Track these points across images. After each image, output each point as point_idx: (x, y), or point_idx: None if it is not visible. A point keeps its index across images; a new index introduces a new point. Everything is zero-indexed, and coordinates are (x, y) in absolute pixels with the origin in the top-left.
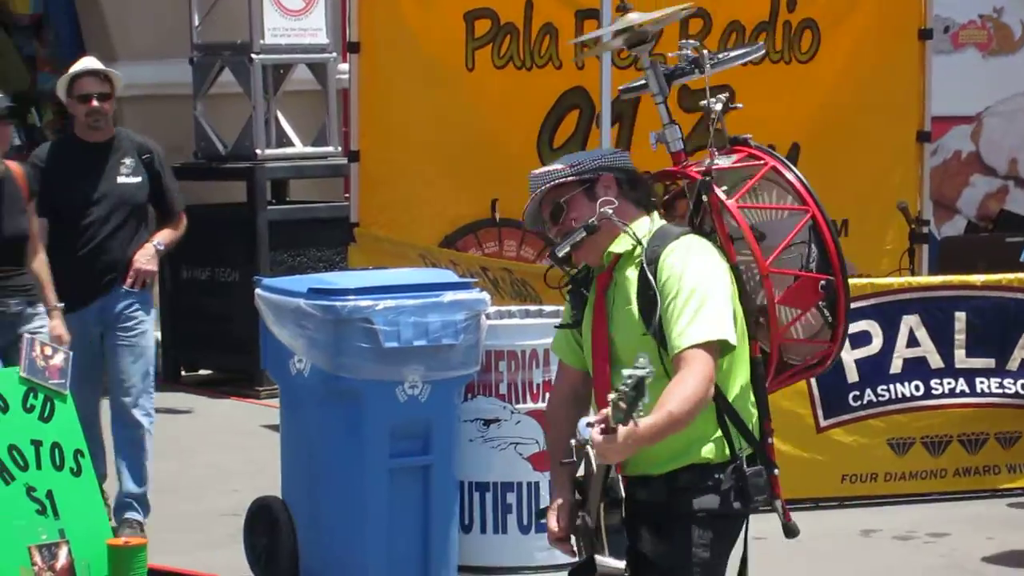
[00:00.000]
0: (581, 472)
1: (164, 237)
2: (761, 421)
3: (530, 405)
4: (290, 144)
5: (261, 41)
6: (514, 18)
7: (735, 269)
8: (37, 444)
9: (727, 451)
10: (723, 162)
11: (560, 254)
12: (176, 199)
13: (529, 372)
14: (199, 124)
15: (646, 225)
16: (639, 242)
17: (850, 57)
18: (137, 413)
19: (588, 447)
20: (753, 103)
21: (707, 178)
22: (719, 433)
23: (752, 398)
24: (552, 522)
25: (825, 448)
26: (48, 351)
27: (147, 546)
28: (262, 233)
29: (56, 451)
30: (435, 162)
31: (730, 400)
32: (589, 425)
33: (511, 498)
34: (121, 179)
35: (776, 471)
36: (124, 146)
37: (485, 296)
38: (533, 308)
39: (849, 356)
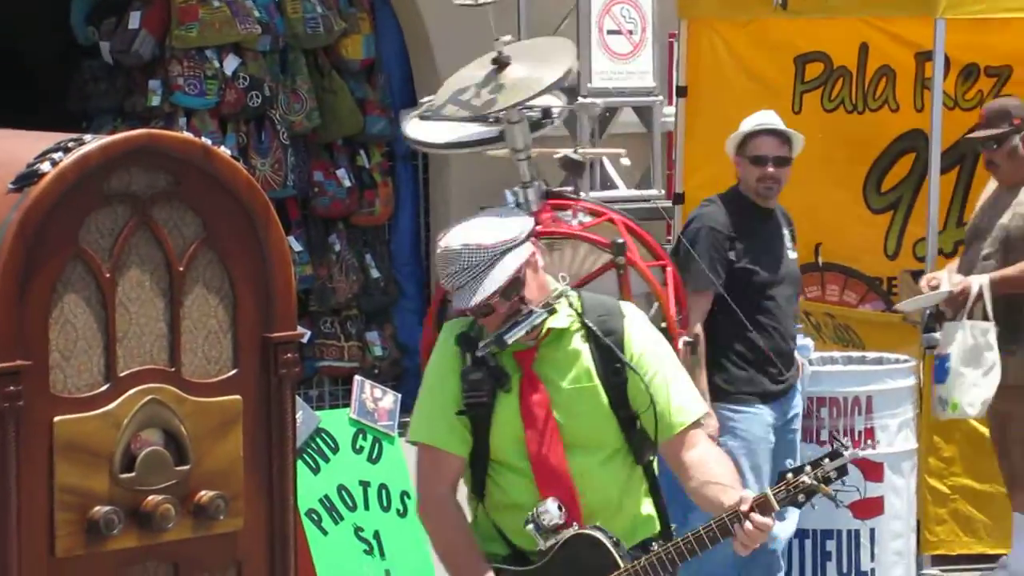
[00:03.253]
0: (542, 546)
1: None
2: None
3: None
4: (614, 187)
5: (589, 84)
6: (847, 62)
7: None
8: (365, 485)
9: (658, 525)
10: (582, 220)
11: (510, 341)
12: None
13: (851, 419)
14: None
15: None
16: (580, 315)
17: None
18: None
19: (579, 528)
20: None
21: (620, 241)
22: (654, 510)
23: None
24: None
25: None
26: (377, 393)
27: None
28: None
29: (383, 492)
30: None
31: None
32: (550, 511)
33: (830, 545)
34: (791, 254)
35: None
36: (780, 216)
37: (808, 342)
38: (856, 354)
39: None
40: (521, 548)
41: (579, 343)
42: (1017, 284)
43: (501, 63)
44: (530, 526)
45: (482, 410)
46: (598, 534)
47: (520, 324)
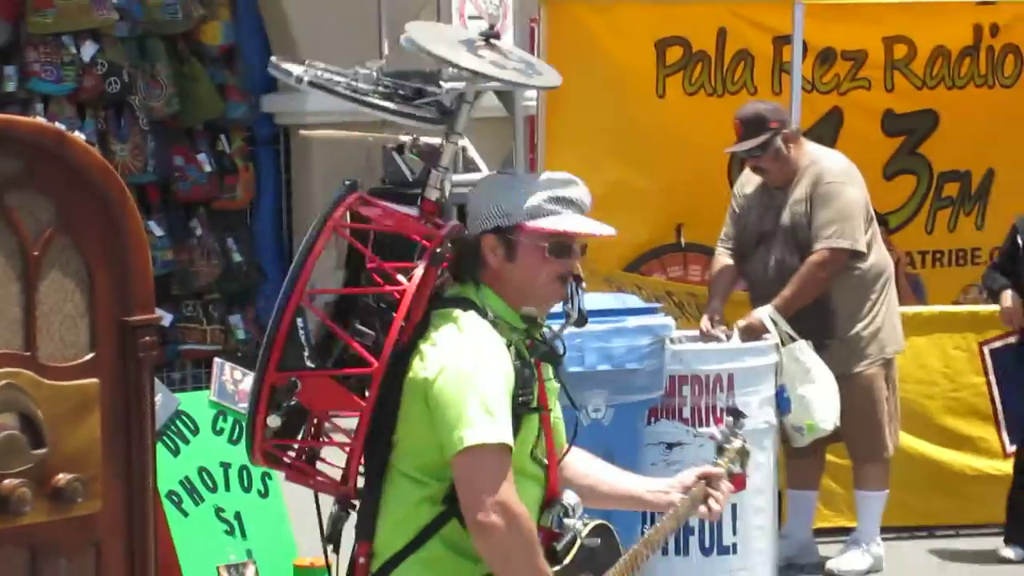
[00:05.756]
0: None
1: None
2: None
3: (713, 429)
4: (477, 170)
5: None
6: (706, 46)
7: None
8: (226, 466)
9: None
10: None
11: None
12: None
13: (713, 396)
14: (387, 150)
15: None
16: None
17: None
18: None
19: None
20: (955, 127)
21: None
22: None
23: None
24: None
25: None
26: (238, 375)
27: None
28: None
29: (244, 473)
30: (621, 187)
31: None
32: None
33: (692, 521)
34: None
35: None
36: None
37: (670, 321)
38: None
39: None
40: None
41: None
42: (799, 300)
43: (490, 36)
44: (573, 520)
45: (526, 410)
46: (603, 520)
47: (578, 296)
